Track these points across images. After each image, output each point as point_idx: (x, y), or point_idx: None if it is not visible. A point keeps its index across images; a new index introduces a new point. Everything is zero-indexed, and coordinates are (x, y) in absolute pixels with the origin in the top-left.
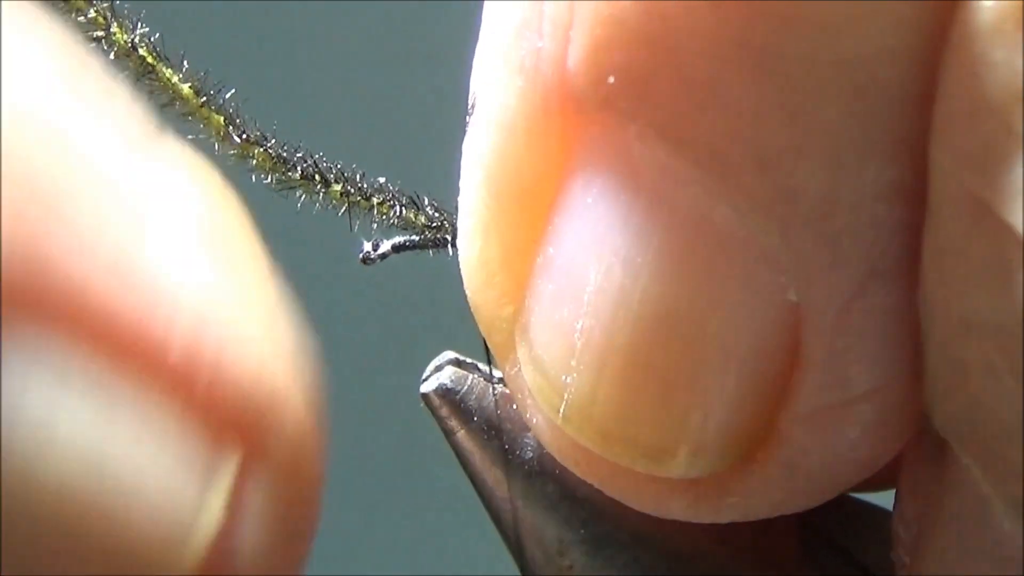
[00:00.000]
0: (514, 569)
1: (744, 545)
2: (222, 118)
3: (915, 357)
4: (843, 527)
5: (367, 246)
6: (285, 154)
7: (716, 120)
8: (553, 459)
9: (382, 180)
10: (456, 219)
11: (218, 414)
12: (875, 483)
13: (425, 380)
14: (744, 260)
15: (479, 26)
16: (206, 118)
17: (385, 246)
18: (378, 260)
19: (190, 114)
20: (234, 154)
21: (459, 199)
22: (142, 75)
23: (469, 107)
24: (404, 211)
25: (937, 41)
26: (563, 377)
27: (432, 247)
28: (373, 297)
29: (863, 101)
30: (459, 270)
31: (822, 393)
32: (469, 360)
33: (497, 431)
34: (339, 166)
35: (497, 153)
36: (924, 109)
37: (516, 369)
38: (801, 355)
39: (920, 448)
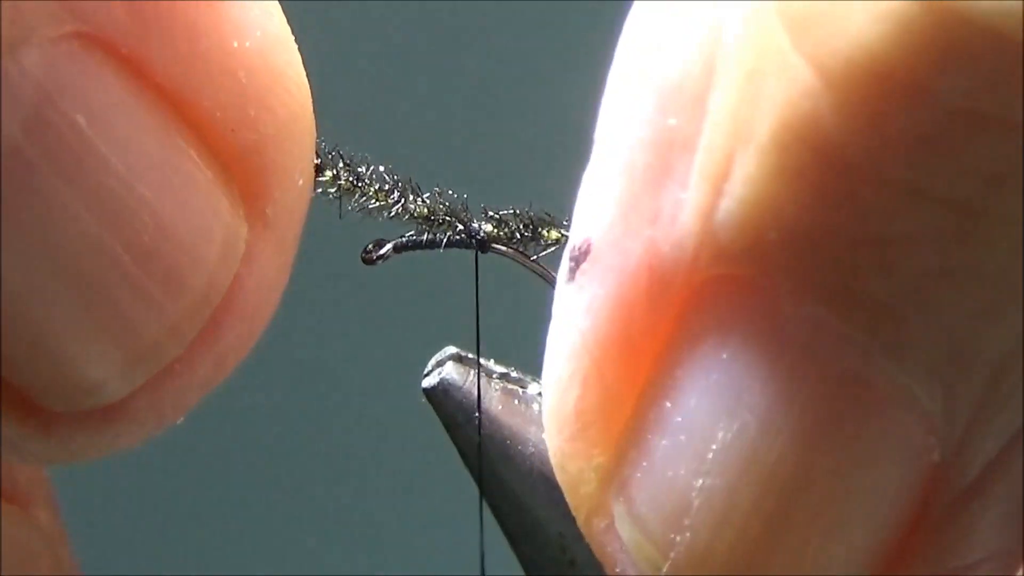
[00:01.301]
0: (516, 566)
1: None
2: None
3: None
4: None
5: (369, 246)
6: None
7: (897, 279)
8: None
9: (381, 168)
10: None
11: (241, 181)
12: None
13: (427, 375)
14: (900, 421)
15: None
16: None
17: (387, 247)
18: (379, 261)
19: None
20: None
21: (551, 345)
22: None
23: (575, 250)
24: (404, 201)
25: None
26: (671, 536)
27: (434, 247)
28: (375, 293)
29: None
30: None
31: (946, 554)
32: (471, 356)
33: (498, 426)
34: (334, 151)
35: (612, 302)
36: None
37: (606, 523)
38: (930, 514)
39: None
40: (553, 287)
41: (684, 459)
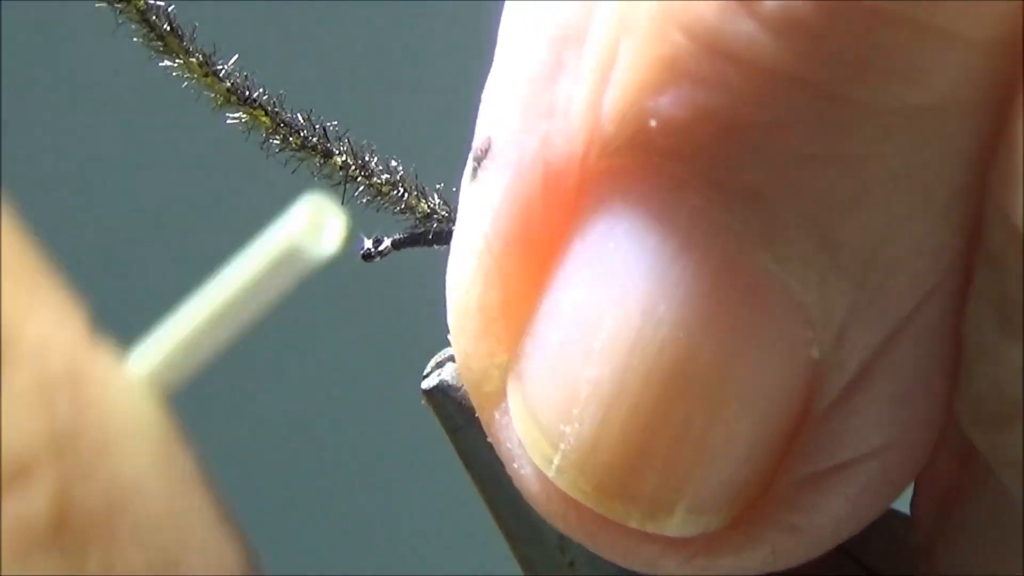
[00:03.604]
0: (515, 568)
1: None
2: (226, 87)
3: (929, 412)
4: None
5: (368, 243)
6: (290, 120)
7: (767, 165)
8: None
9: (393, 163)
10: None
11: None
12: None
13: (426, 377)
14: (775, 311)
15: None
16: (211, 86)
17: (386, 243)
18: (379, 258)
19: (196, 82)
20: (238, 118)
21: (454, 245)
22: (152, 43)
23: (477, 150)
24: (408, 196)
25: (1006, 93)
26: (561, 427)
27: (434, 243)
28: (374, 293)
29: (926, 153)
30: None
31: (827, 453)
32: None
33: None
34: (346, 138)
35: (511, 196)
36: (981, 165)
37: (505, 419)
38: (811, 413)
39: (943, 443)
40: None
41: (573, 349)
